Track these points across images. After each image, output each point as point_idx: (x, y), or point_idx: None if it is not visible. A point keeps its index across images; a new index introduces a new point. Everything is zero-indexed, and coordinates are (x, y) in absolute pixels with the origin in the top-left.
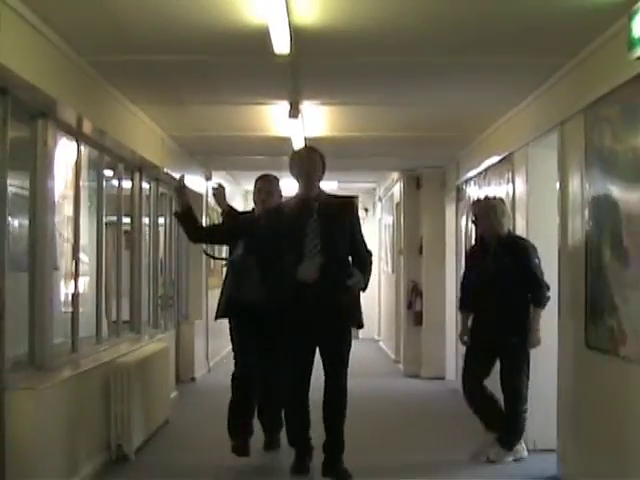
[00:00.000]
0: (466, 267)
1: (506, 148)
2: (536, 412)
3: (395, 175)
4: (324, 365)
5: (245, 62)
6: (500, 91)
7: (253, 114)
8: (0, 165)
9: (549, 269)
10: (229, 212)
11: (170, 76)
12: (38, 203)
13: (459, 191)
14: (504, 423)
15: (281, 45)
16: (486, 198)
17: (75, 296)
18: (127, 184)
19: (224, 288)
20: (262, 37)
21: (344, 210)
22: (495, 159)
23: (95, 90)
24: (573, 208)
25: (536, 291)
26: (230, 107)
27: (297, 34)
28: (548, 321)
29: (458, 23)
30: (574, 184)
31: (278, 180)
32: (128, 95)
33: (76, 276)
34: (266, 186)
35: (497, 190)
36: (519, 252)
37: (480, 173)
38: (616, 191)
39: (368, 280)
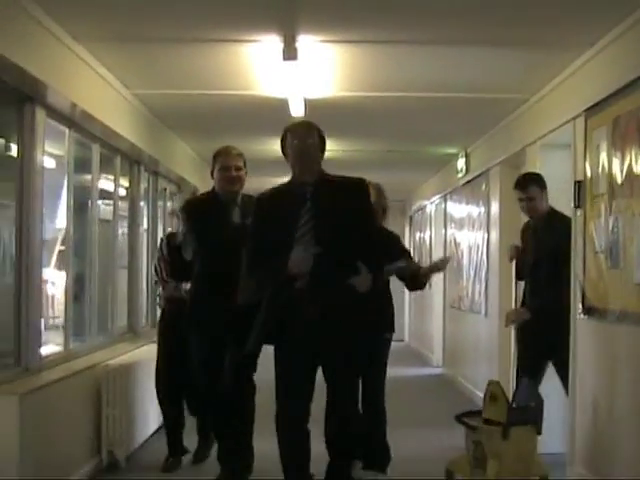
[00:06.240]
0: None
1: (427, 199)
2: (438, 345)
3: None
4: (326, 380)
5: None
6: (415, 175)
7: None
8: None
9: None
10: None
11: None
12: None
13: (411, 218)
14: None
15: None
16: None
17: None
18: None
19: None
20: None
21: (349, 193)
22: (425, 202)
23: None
24: (449, 222)
25: None
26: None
27: None
28: (436, 290)
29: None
30: (449, 216)
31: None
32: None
33: None
34: (236, 161)
35: (424, 216)
36: None
37: (420, 208)
38: (460, 215)
39: (380, 279)
